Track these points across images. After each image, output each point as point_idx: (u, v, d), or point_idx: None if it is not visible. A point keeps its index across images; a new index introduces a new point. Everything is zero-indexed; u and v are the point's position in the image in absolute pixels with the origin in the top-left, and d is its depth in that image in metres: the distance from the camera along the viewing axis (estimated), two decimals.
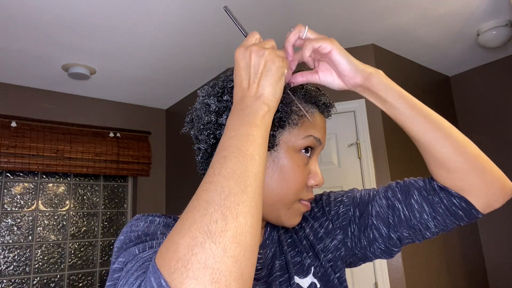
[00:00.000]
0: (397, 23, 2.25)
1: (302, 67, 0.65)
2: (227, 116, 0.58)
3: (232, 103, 0.58)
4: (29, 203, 2.85)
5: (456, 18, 2.24)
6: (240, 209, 0.38)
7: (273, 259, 0.64)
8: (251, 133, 0.46)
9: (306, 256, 0.67)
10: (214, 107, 0.60)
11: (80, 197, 3.07)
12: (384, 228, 0.65)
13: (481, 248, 2.83)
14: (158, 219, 0.56)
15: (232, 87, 0.60)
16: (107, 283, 0.46)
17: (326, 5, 2.02)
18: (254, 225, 0.39)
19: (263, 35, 2.31)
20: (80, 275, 2.95)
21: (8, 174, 2.81)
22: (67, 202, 3.01)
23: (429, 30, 2.35)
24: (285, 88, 0.60)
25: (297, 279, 0.63)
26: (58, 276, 2.86)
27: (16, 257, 2.72)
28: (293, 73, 0.62)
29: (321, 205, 0.73)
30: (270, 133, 0.58)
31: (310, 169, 0.61)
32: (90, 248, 3.03)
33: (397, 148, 2.37)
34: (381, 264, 2.19)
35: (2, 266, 2.66)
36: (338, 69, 0.60)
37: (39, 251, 2.82)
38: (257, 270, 0.60)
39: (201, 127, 0.62)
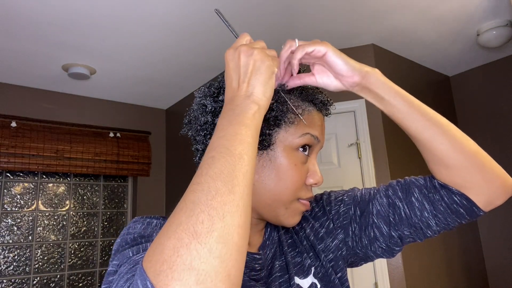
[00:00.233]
0: (397, 23, 2.25)
1: (302, 68, 0.65)
2: None
3: None
4: (29, 203, 2.85)
5: (456, 18, 2.24)
6: (227, 208, 0.38)
7: (273, 259, 0.64)
8: (240, 132, 0.45)
9: (307, 256, 0.67)
10: (210, 108, 0.61)
11: (80, 197, 3.07)
12: (385, 227, 0.65)
13: (481, 248, 2.83)
14: (155, 221, 0.55)
15: None
16: (102, 286, 0.46)
17: (326, 5, 2.02)
18: (242, 225, 0.39)
19: (262, 37, 2.32)
20: (80, 275, 2.95)
21: (8, 174, 2.81)
22: (67, 202, 3.01)
23: (429, 30, 2.35)
24: (279, 88, 0.60)
25: (297, 280, 0.63)
26: (58, 276, 2.86)
27: (16, 257, 2.72)
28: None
29: (322, 204, 0.72)
30: (266, 132, 0.58)
31: (308, 168, 0.61)
32: (90, 248, 3.03)
33: (397, 148, 2.37)
34: (381, 264, 2.19)
35: (2, 266, 2.66)
36: (335, 70, 0.60)
37: (39, 251, 2.82)
38: (256, 271, 0.60)
39: (198, 128, 0.62)
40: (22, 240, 2.76)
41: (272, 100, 0.58)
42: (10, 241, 2.72)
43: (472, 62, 2.86)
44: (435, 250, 2.47)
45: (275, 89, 0.60)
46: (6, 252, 2.69)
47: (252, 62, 0.51)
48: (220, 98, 0.60)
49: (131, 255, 0.46)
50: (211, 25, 2.16)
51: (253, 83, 0.51)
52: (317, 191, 0.79)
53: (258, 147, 0.59)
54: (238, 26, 2.18)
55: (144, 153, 3.26)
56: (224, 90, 0.60)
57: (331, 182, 2.36)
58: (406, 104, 0.60)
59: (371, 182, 2.27)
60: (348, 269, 2.24)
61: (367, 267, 2.21)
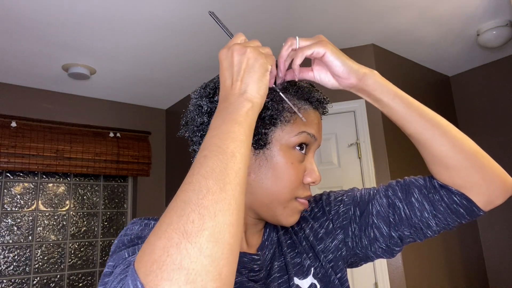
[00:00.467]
0: (397, 23, 2.25)
1: (304, 62, 0.65)
2: None
3: None
4: (29, 203, 2.85)
5: (456, 18, 2.24)
6: (219, 207, 0.38)
7: (272, 260, 0.64)
8: (233, 130, 0.45)
9: (306, 257, 0.66)
10: (206, 108, 0.61)
11: (80, 197, 3.07)
12: (385, 227, 0.65)
13: (481, 248, 2.83)
14: (153, 222, 0.55)
15: None
16: (98, 287, 0.46)
17: (326, 5, 2.02)
18: (234, 223, 0.38)
19: (263, 37, 2.32)
20: (80, 275, 2.95)
21: (8, 174, 2.81)
22: (67, 202, 3.01)
23: (429, 30, 2.35)
24: (275, 87, 0.60)
25: (296, 280, 0.63)
26: (58, 276, 2.86)
27: (16, 257, 2.72)
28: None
29: (321, 205, 0.72)
30: (262, 131, 0.58)
31: (306, 166, 0.61)
32: (90, 248, 3.03)
33: (397, 148, 2.37)
34: (381, 264, 2.19)
35: (2, 266, 2.66)
36: (332, 71, 0.61)
37: (39, 251, 2.82)
38: (255, 271, 0.60)
39: (195, 129, 0.62)
40: (22, 240, 2.76)
41: (267, 98, 0.58)
42: (10, 241, 2.72)
43: (472, 62, 2.86)
44: (435, 250, 2.47)
45: (271, 88, 0.60)
46: (6, 252, 2.69)
47: (245, 60, 0.51)
48: (216, 98, 0.60)
49: (126, 256, 0.46)
50: (211, 26, 2.16)
51: (246, 81, 0.50)
52: (316, 191, 0.79)
53: (254, 146, 0.59)
54: (238, 26, 2.18)
55: (144, 153, 3.26)
56: (219, 91, 0.60)
57: (331, 182, 2.36)
58: (405, 106, 0.60)
59: (371, 182, 2.27)
60: (348, 269, 2.24)
61: (367, 267, 2.21)
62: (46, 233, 2.87)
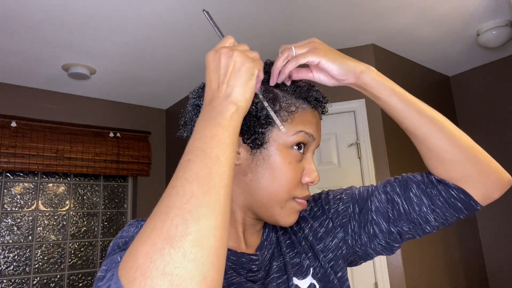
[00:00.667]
0: (397, 23, 2.25)
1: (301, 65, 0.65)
2: None
3: None
4: (29, 203, 2.85)
5: (456, 18, 2.24)
6: (203, 211, 0.38)
7: (271, 260, 0.64)
8: (217, 134, 0.45)
9: (305, 257, 0.66)
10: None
11: (80, 197, 3.07)
12: (384, 223, 0.66)
13: (481, 248, 2.83)
14: (132, 229, 0.54)
15: None
16: None
17: (326, 5, 2.02)
18: (220, 227, 0.38)
19: (263, 37, 2.31)
20: (80, 275, 2.95)
21: (8, 174, 2.81)
22: (67, 202, 3.01)
23: (429, 30, 2.35)
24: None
25: (295, 281, 0.62)
26: (58, 276, 2.86)
27: (16, 257, 2.72)
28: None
29: (321, 204, 0.72)
30: (259, 131, 0.58)
31: (304, 166, 0.60)
32: (90, 248, 3.03)
33: (397, 148, 2.37)
34: (381, 264, 2.19)
35: (2, 266, 2.66)
36: (330, 75, 0.63)
37: (39, 251, 2.82)
38: (253, 272, 0.60)
39: (193, 128, 0.62)
40: (22, 240, 2.76)
41: (265, 100, 0.58)
42: (10, 241, 2.72)
43: (472, 62, 2.86)
44: (435, 250, 2.47)
45: (266, 89, 0.60)
46: (6, 252, 2.69)
47: (232, 63, 0.51)
48: None
49: (119, 259, 0.45)
50: (211, 25, 2.16)
51: (232, 84, 0.50)
52: (316, 191, 0.79)
53: (251, 146, 0.59)
54: (238, 26, 2.18)
55: (144, 153, 3.26)
56: None
57: (331, 182, 2.36)
58: (402, 102, 0.62)
59: (371, 182, 2.27)
60: (348, 269, 2.23)
61: (367, 267, 2.21)
62: (46, 233, 2.87)
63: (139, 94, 3.18)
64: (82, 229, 3.03)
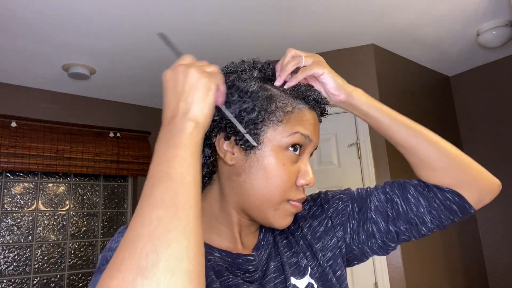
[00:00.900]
0: (397, 23, 2.25)
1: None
2: None
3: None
4: (29, 203, 2.85)
5: (456, 18, 2.24)
6: (172, 236, 0.37)
7: (268, 260, 0.64)
8: (179, 154, 0.44)
9: (303, 256, 0.66)
10: None
11: (80, 197, 3.07)
12: (382, 222, 0.67)
13: (481, 248, 2.83)
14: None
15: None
16: None
17: (326, 5, 2.02)
18: (192, 248, 0.38)
19: (262, 37, 2.30)
20: (80, 275, 2.95)
21: (8, 174, 2.81)
22: (67, 202, 3.01)
23: (429, 30, 2.35)
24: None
25: (293, 280, 0.62)
26: (58, 276, 2.86)
27: (16, 257, 2.72)
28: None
29: (320, 203, 0.72)
30: (253, 132, 0.57)
31: (300, 168, 0.60)
32: (90, 248, 3.03)
33: None
34: (381, 264, 2.19)
35: (2, 266, 2.66)
36: (325, 87, 0.65)
37: (39, 251, 2.82)
38: (250, 272, 0.59)
39: None
40: (22, 240, 2.76)
41: (256, 100, 0.58)
42: (10, 241, 2.72)
43: (472, 62, 2.86)
44: (435, 250, 2.47)
45: (263, 88, 0.60)
46: (6, 252, 2.69)
47: (188, 80, 0.50)
48: None
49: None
50: (211, 26, 2.16)
51: (189, 101, 0.49)
52: (314, 190, 0.80)
53: (243, 148, 0.58)
54: (237, 26, 2.18)
55: (144, 153, 3.26)
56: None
57: (331, 182, 2.36)
58: (389, 118, 0.66)
59: (371, 182, 2.27)
60: (348, 269, 2.24)
61: (367, 267, 2.21)
62: (46, 233, 2.87)
63: (139, 94, 3.18)
64: (82, 229, 3.03)
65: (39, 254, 2.81)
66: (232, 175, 0.60)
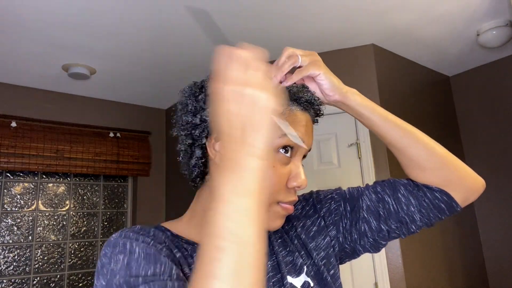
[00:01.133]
0: (397, 23, 2.25)
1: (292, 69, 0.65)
2: (201, 116, 0.59)
3: (204, 102, 0.59)
4: (29, 203, 2.85)
5: (456, 18, 2.24)
6: None
7: None
8: (248, 207, 0.39)
9: (298, 255, 0.67)
10: (190, 107, 0.61)
11: (80, 197, 3.07)
12: (374, 221, 0.68)
13: (481, 248, 2.83)
14: (137, 249, 0.50)
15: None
16: None
17: (326, 5, 2.02)
18: None
19: (262, 37, 2.29)
20: (80, 275, 2.95)
21: (8, 174, 2.81)
22: (67, 202, 3.01)
23: (429, 30, 2.35)
24: None
25: (289, 279, 0.63)
26: (58, 276, 2.86)
27: (16, 257, 2.72)
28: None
29: (312, 203, 0.73)
30: None
31: (291, 170, 0.59)
32: (90, 248, 3.03)
33: None
34: (381, 264, 2.19)
35: (2, 266, 2.66)
36: (321, 88, 0.66)
37: (39, 251, 2.82)
38: None
39: (181, 127, 0.62)
40: (22, 240, 2.76)
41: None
42: (10, 241, 2.72)
43: (472, 62, 2.86)
44: (435, 250, 2.47)
45: None
46: (6, 252, 2.69)
47: (257, 110, 0.43)
48: (200, 97, 0.60)
49: None
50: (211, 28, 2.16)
51: (257, 136, 0.43)
52: (313, 189, 0.80)
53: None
54: (236, 26, 2.18)
55: (144, 153, 3.26)
56: (204, 89, 0.60)
57: (331, 182, 2.36)
58: (382, 118, 0.67)
59: (371, 182, 2.26)
60: (348, 269, 2.24)
61: (367, 267, 2.21)
62: (46, 233, 2.87)
63: (139, 94, 3.18)
64: (82, 229, 3.03)
65: (39, 254, 2.81)
66: None
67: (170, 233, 0.59)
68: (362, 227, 0.69)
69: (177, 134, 0.64)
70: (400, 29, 2.32)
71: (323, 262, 0.67)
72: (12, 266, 2.70)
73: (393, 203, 0.68)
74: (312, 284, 0.64)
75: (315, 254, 0.67)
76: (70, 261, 2.93)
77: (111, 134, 3.12)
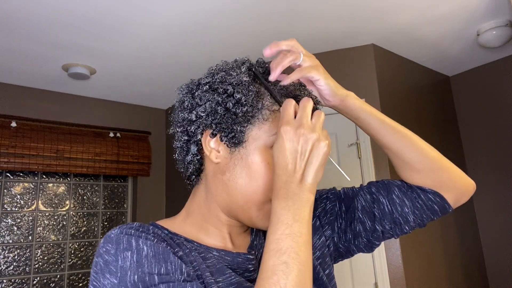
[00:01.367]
0: (397, 23, 2.25)
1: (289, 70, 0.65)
2: (197, 112, 0.59)
3: (201, 99, 0.59)
4: (29, 203, 2.85)
5: (456, 18, 2.24)
6: None
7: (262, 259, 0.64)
8: (304, 233, 0.48)
9: None
10: (187, 104, 0.61)
11: (80, 197, 3.07)
12: (369, 222, 0.69)
13: (481, 248, 2.83)
14: (144, 247, 0.50)
15: (206, 83, 0.61)
16: None
17: (326, 5, 2.02)
18: None
19: (263, 37, 2.29)
20: (80, 275, 2.95)
21: (8, 174, 2.81)
22: (67, 202, 3.01)
23: (429, 30, 2.35)
24: (259, 77, 0.59)
25: None
26: (58, 276, 2.86)
27: (16, 257, 2.72)
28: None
29: None
30: (237, 129, 0.57)
31: None
32: (90, 248, 3.03)
33: None
34: (381, 264, 2.19)
35: (2, 266, 2.66)
36: (321, 93, 0.66)
37: (39, 251, 2.82)
38: (250, 271, 0.60)
39: (178, 124, 0.62)
40: (22, 240, 2.76)
41: (246, 95, 0.58)
42: (10, 241, 2.72)
43: (472, 62, 2.86)
44: (435, 250, 2.47)
45: (253, 83, 0.59)
46: (6, 252, 2.69)
47: (309, 147, 0.52)
48: (196, 93, 0.61)
49: None
50: (211, 25, 2.16)
51: (309, 170, 0.51)
52: None
53: (227, 144, 0.58)
54: (237, 25, 2.18)
55: (144, 153, 3.26)
56: (201, 87, 0.61)
57: (331, 182, 2.35)
58: (379, 121, 0.68)
59: None
60: (348, 269, 2.24)
61: (367, 267, 2.21)
62: (46, 233, 2.87)
63: (139, 94, 3.18)
64: (82, 229, 3.03)
65: (39, 254, 2.81)
66: (217, 173, 0.60)
67: (168, 231, 0.59)
68: (357, 227, 0.69)
69: (173, 132, 0.64)
70: (400, 29, 2.32)
71: (319, 261, 0.67)
72: (12, 266, 2.70)
73: (388, 204, 0.69)
74: None
75: None
76: (70, 261, 2.93)
77: (111, 134, 3.12)
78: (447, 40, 2.49)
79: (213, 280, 0.53)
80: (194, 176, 0.64)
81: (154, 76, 2.81)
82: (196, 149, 0.61)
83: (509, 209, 2.65)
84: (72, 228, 2.99)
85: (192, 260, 0.54)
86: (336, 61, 2.48)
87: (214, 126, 0.58)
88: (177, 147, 0.63)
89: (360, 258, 2.22)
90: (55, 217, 2.93)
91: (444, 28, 2.34)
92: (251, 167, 0.57)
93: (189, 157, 0.62)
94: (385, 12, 2.12)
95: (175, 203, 3.25)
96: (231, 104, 0.57)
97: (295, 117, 0.54)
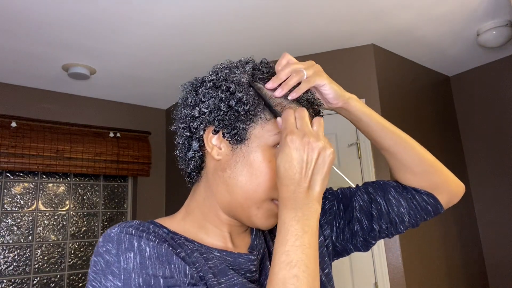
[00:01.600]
0: (397, 23, 2.25)
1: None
2: (200, 108, 0.60)
3: (204, 96, 0.59)
4: (29, 203, 2.85)
5: (456, 18, 2.24)
6: None
7: (263, 260, 0.64)
8: (313, 243, 0.49)
9: None
10: (190, 100, 0.61)
11: (80, 197, 3.07)
12: (366, 221, 0.70)
13: (481, 248, 2.83)
14: (147, 248, 0.49)
15: (211, 81, 0.61)
16: None
17: (326, 5, 2.02)
18: None
19: (263, 37, 2.29)
20: (80, 275, 2.95)
21: (8, 174, 2.81)
22: (67, 202, 3.01)
23: (429, 30, 2.35)
24: (258, 87, 0.59)
25: None
26: (58, 276, 2.86)
27: (16, 257, 2.72)
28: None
29: None
30: (240, 126, 0.58)
31: None
32: (90, 248, 3.03)
33: None
34: (381, 264, 2.19)
35: (2, 266, 2.66)
36: (325, 97, 0.68)
37: (39, 251, 2.82)
38: (251, 272, 0.60)
39: (180, 121, 0.63)
40: (22, 240, 2.76)
41: (247, 95, 0.58)
42: (10, 241, 2.72)
43: (472, 62, 2.86)
44: (435, 250, 2.47)
45: (255, 86, 0.60)
46: (6, 252, 2.69)
47: (315, 156, 0.52)
48: (200, 90, 0.61)
49: None
50: (211, 25, 2.16)
51: (315, 178, 0.52)
52: None
53: (230, 141, 0.59)
54: (235, 26, 2.18)
55: (144, 153, 3.26)
56: (205, 84, 0.61)
57: (331, 182, 2.34)
58: (379, 124, 0.70)
59: None
60: (348, 269, 2.24)
61: (367, 267, 2.21)
62: (46, 233, 2.87)
63: (139, 94, 3.18)
64: (82, 229, 3.03)
65: (39, 254, 2.81)
66: (218, 170, 0.60)
67: (167, 230, 0.58)
68: (355, 227, 0.71)
69: (175, 128, 0.64)
70: (400, 29, 2.32)
71: (318, 261, 0.67)
72: (12, 266, 2.70)
73: (385, 204, 0.70)
74: None
75: None
76: (70, 261, 2.93)
77: (111, 134, 3.12)
78: (447, 40, 2.49)
79: (216, 282, 0.53)
80: (194, 174, 0.63)
81: (154, 76, 2.81)
82: (197, 145, 0.61)
83: (509, 209, 2.65)
84: (72, 228, 2.99)
85: (195, 261, 0.54)
86: (336, 61, 2.48)
87: (216, 122, 0.59)
88: (179, 143, 0.63)
89: (360, 258, 2.22)
90: (55, 217, 2.93)
91: (444, 28, 2.34)
92: (253, 164, 0.57)
93: (190, 154, 0.62)
94: (385, 12, 2.12)
95: (175, 203, 3.25)
96: (233, 102, 0.58)
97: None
